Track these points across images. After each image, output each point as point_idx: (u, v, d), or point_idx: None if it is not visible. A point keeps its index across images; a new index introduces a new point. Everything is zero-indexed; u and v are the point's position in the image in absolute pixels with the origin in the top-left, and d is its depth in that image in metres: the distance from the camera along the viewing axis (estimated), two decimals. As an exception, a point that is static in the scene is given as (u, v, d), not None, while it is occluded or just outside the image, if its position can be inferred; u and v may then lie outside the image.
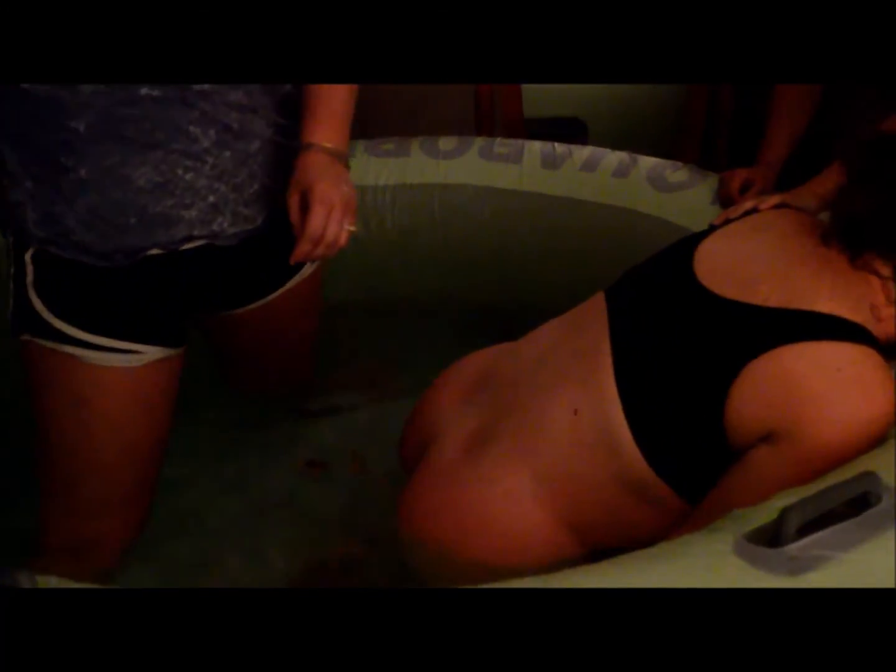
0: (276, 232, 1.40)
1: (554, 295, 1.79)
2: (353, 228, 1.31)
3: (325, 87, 1.35)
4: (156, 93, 1.24)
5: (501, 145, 2.02)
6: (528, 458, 1.21)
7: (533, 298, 1.96)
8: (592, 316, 1.28)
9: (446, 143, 2.03)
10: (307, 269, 1.54)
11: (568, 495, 1.19)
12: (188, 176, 1.30)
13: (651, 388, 1.16)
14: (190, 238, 1.34)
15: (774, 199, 1.38)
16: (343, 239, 1.29)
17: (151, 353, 1.38)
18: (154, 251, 1.34)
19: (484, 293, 2.05)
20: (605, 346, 1.21)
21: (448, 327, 2.01)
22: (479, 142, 2.04)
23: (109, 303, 1.35)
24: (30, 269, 1.32)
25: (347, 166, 1.35)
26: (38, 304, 1.32)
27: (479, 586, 0.83)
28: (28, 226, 1.30)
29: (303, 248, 1.28)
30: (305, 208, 1.28)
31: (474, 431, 1.29)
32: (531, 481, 1.20)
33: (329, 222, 1.27)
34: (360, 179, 1.91)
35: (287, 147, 1.38)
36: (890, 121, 1.48)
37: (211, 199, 1.33)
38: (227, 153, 1.33)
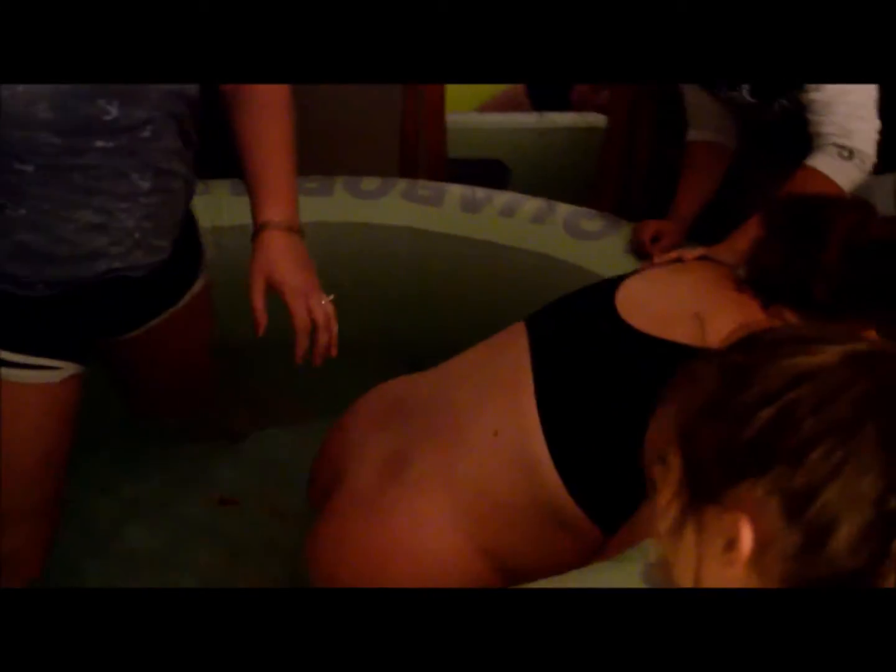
0: (174, 256, 1.45)
1: (469, 336, 1.83)
2: (330, 299, 1.36)
3: (269, 160, 1.37)
4: (108, 144, 1.24)
5: (424, 188, 2.07)
6: (447, 482, 1.22)
7: (448, 339, 1.98)
8: (513, 342, 1.31)
9: (369, 183, 2.07)
10: (197, 286, 1.57)
11: (486, 520, 1.20)
12: (122, 216, 1.31)
13: (571, 414, 1.19)
14: (110, 271, 1.36)
15: (698, 252, 1.46)
16: (333, 316, 1.35)
17: (66, 369, 1.41)
18: (76, 284, 1.35)
19: (403, 333, 2.08)
20: (526, 371, 1.24)
21: (365, 366, 2.02)
22: (402, 184, 2.08)
23: (26, 324, 1.37)
24: None
25: (303, 236, 1.37)
26: None
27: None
28: None
29: (302, 344, 1.34)
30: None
31: (388, 458, 1.29)
32: (449, 506, 1.21)
33: (313, 309, 1.33)
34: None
35: (190, 179, 1.42)
36: (797, 183, 1.58)
37: (137, 235, 1.35)
38: (158, 194, 1.35)
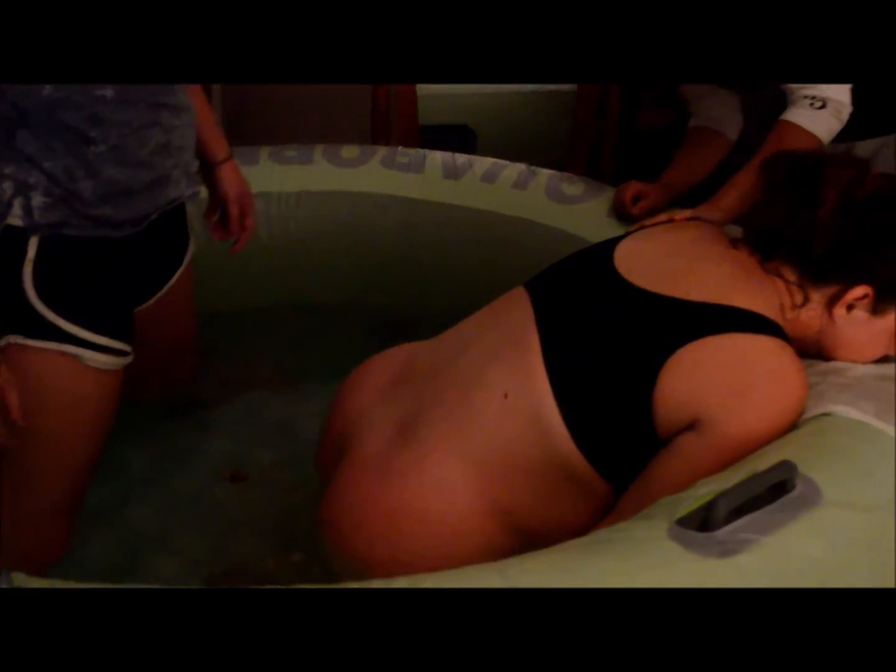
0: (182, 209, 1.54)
1: (457, 302, 1.84)
2: None
3: (202, 110, 1.54)
4: None
5: (403, 155, 2.06)
6: (458, 444, 1.23)
7: (436, 306, 1.99)
8: (515, 306, 1.31)
9: (349, 151, 2.07)
10: (186, 260, 1.60)
11: (499, 479, 1.21)
12: (177, 134, 1.39)
13: (579, 372, 1.20)
14: (172, 200, 1.44)
15: (687, 213, 1.49)
16: None
17: (131, 354, 1.41)
18: (154, 215, 1.41)
19: (387, 300, 2.08)
20: (531, 332, 1.25)
21: (351, 334, 2.04)
22: (381, 151, 2.08)
23: (109, 291, 1.37)
24: (28, 267, 1.29)
25: None
26: (38, 304, 1.29)
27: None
28: (33, 214, 1.28)
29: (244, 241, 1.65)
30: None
31: (398, 423, 1.29)
32: (462, 467, 1.22)
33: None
34: (263, 186, 1.94)
35: None
36: (774, 138, 1.61)
37: (186, 157, 1.44)
38: (190, 113, 1.43)
